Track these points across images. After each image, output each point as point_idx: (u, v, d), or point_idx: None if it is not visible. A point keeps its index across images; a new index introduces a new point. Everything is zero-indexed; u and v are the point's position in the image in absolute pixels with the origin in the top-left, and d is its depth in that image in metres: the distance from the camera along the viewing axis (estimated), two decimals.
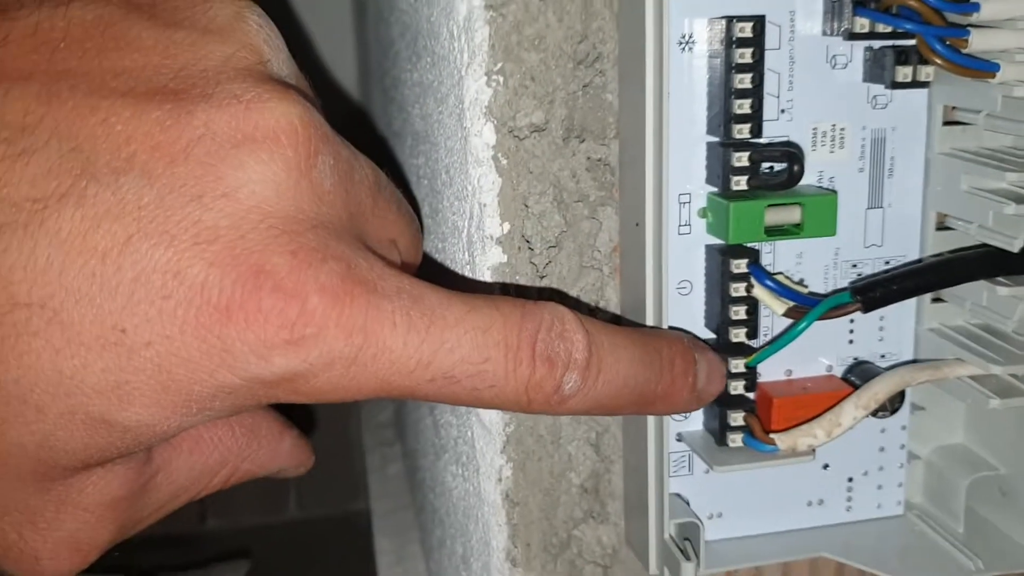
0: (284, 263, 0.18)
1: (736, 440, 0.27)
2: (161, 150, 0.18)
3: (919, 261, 0.28)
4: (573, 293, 0.28)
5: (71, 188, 0.17)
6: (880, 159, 0.27)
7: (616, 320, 0.28)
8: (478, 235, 0.27)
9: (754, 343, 0.26)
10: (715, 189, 0.26)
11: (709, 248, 0.26)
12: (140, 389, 0.18)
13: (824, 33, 0.26)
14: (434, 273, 0.32)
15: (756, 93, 0.24)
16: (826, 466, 0.29)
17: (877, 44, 0.26)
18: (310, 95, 0.21)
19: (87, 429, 0.18)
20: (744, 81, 0.24)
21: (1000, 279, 0.26)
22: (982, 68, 0.24)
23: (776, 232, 0.25)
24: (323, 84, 0.23)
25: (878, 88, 0.27)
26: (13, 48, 0.19)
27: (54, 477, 0.19)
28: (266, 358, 0.18)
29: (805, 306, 0.26)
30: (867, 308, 0.26)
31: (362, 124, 0.59)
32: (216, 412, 0.19)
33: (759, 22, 0.24)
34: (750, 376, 0.26)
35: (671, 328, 0.26)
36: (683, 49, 0.25)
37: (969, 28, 0.24)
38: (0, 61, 0.18)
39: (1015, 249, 0.25)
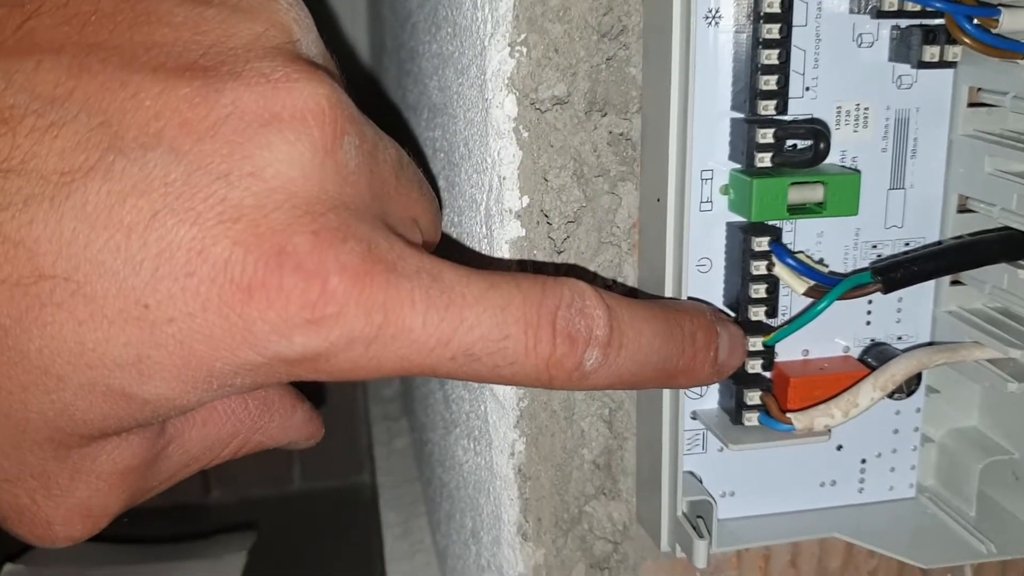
0: (306, 243, 0.18)
1: (752, 419, 0.27)
2: (189, 127, 0.18)
3: (939, 243, 0.28)
4: (591, 269, 0.28)
5: (99, 162, 0.17)
6: (903, 139, 0.27)
7: (633, 295, 0.28)
8: (496, 208, 0.27)
9: (772, 322, 0.26)
10: (738, 166, 0.26)
11: (731, 225, 0.26)
12: (161, 364, 0.18)
13: (851, 11, 0.26)
14: (451, 247, 0.32)
15: (783, 69, 0.24)
16: (840, 447, 0.29)
17: (904, 23, 0.26)
18: (337, 75, 0.21)
19: (106, 400, 0.18)
20: (771, 57, 0.24)
21: (1022, 262, 0.26)
22: (1012, 49, 0.24)
23: (798, 210, 0.25)
24: (335, 56, 0.23)
25: (903, 68, 0.26)
26: (46, 19, 0.18)
27: (71, 445, 0.19)
28: (287, 337, 0.18)
29: (825, 286, 0.26)
30: (888, 289, 0.26)
31: (374, 96, 0.59)
32: (236, 388, 0.19)
33: None
34: (768, 355, 0.26)
35: (691, 299, 0.26)
36: (709, 23, 0.25)
37: (1000, 8, 0.24)
38: (32, 32, 0.18)
39: None
